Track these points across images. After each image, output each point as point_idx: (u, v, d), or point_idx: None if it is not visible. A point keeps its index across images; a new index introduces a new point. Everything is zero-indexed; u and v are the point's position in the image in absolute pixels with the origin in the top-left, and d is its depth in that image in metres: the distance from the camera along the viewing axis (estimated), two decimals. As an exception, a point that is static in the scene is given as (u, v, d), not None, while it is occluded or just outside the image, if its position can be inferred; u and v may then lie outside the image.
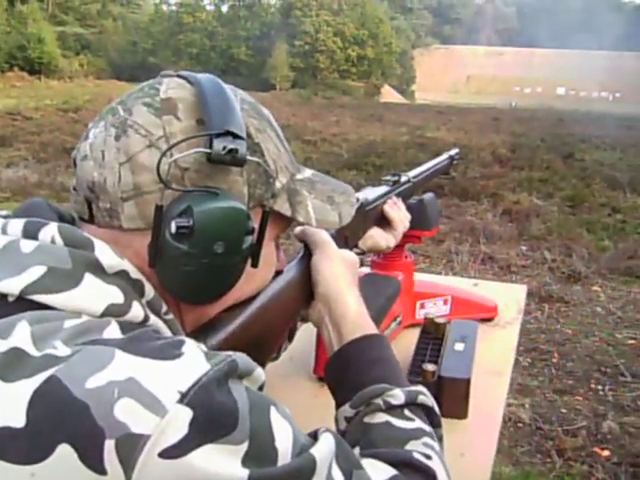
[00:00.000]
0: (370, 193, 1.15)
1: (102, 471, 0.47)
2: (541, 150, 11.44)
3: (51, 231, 0.60)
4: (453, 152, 1.59)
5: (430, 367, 1.10)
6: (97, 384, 0.48)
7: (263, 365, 0.74)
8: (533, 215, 6.79)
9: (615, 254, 5.53)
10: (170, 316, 0.66)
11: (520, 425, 2.85)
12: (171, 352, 0.52)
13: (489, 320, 1.49)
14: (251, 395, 0.53)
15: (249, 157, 0.63)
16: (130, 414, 0.47)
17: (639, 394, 3.19)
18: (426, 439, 0.68)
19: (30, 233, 0.61)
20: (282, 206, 0.70)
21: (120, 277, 0.61)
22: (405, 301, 1.38)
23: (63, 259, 0.58)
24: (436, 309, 1.44)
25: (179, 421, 0.48)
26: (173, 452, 0.47)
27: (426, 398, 0.73)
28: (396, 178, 1.26)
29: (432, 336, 1.26)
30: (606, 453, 2.66)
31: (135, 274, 0.62)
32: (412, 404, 0.71)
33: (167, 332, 0.63)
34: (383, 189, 1.21)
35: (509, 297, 1.61)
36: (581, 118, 21.34)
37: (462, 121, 18.04)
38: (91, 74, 42.45)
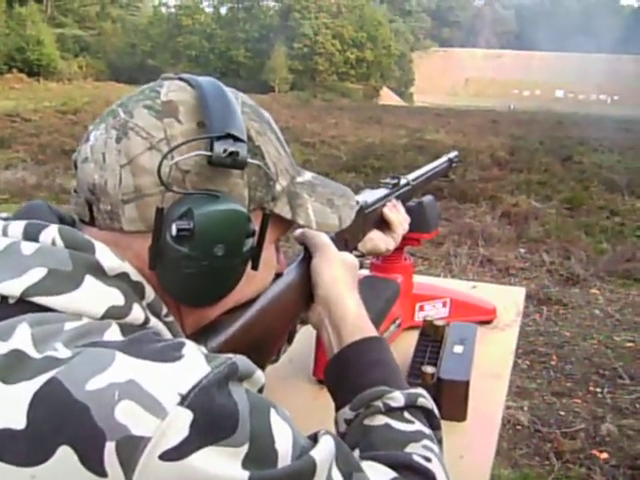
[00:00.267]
0: (369, 196, 1.15)
1: (102, 473, 0.47)
2: (540, 153, 11.46)
3: (52, 233, 0.61)
4: (452, 155, 1.59)
5: (429, 369, 1.10)
6: (98, 386, 0.48)
7: (263, 367, 0.74)
8: (532, 218, 6.80)
9: (613, 257, 5.54)
10: (170, 318, 0.66)
11: (519, 428, 2.85)
12: (171, 354, 0.52)
13: (488, 322, 1.49)
14: (251, 397, 0.53)
15: (250, 160, 0.63)
16: (131, 416, 0.48)
17: (637, 397, 3.19)
18: (426, 441, 0.68)
19: (31, 235, 0.61)
20: (282, 209, 0.70)
21: (121, 279, 0.61)
22: (404, 303, 1.38)
23: (64, 261, 0.58)
24: (435, 311, 1.44)
25: (179, 423, 0.48)
26: (173, 454, 0.47)
27: (426, 401, 0.73)
28: (395, 181, 1.26)
29: (431, 338, 1.26)
30: (604, 456, 2.66)
31: (135, 276, 0.62)
32: (412, 406, 0.71)
33: (167, 334, 0.64)
34: (382, 192, 1.21)
35: (508, 300, 1.61)
36: (580, 121, 21.38)
37: (461, 124, 18.06)
38: (90, 76, 42.53)
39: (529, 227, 6.43)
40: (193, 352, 0.53)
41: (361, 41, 52.41)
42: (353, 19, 53.27)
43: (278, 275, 0.79)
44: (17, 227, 0.61)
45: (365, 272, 1.39)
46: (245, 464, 0.50)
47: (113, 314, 0.58)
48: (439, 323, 1.27)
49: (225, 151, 0.61)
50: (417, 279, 1.50)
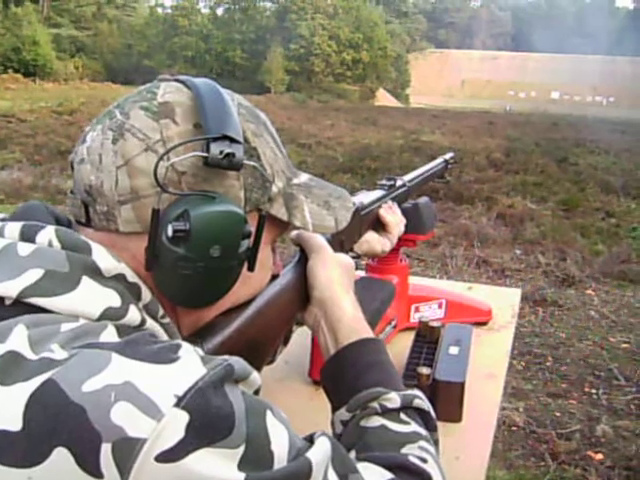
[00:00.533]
0: (365, 197, 1.15)
1: (98, 475, 0.47)
2: (535, 154, 11.47)
3: (48, 234, 0.61)
4: (448, 156, 1.60)
5: (425, 370, 1.10)
6: (94, 388, 0.48)
7: (259, 369, 0.74)
8: (527, 219, 6.82)
9: (609, 258, 5.55)
10: (167, 320, 0.66)
11: (514, 429, 2.86)
12: (168, 356, 0.52)
13: (483, 324, 1.49)
14: (247, 399, 0.53)
15: (246, 161, 0.63)
16: (126, 418, 0.48)
17: (633, 398, 3.20)
18: (422, 442, 0.68)
19: (27, 236, 0.61)
20: (279, 210, 0.70)
21: (117, 280, 0.61)
22: (400, 305, 1.39)
23: (60, 262, 0.58)
24: (431, 313, 1.45)
25: (175, 425, 0.48)
26: (169, 456, 0.47)
27: (422, 402, 0.73)
28: (391, 182, 1.26)
29: (427, 340, 1.26)
30: (600, 456, 2.66)
31: (132, 277, 0.62)
32: (408, 408, 0.72)
33: (164, 336, 0.64)
34: (378, 193, 1.21)
35: (503, 301, 1.61)
36: (575, 122, 21.40)
37: (457, 125, 18.08)
38: (86, 77, 42.47)
39: (525, 228, 6.45)
40: (189, 354, 0.53)
41: (357, 42, 52.41)
42: (349, 20, 53.25)
43: (274, 276, 0.79)
44: (14, 228, 0.61)
45: (361, 273, 1.39)
46: (241, 466, 0.50)
47: (109, 315, 0.58)
48: (435, 324, 1.28)
49: (221, 152, 0.61)
50: (413, 280, 1.50)
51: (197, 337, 0.68)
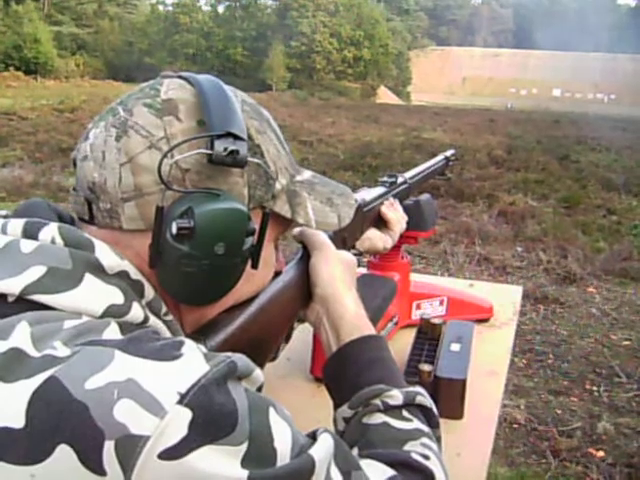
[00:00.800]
0: (367, 194, 1.15)
1: (101, 472, 0.47)
2: (537, 151, 11.48)
3: (51, 231, 0.60)
4: (449, 153, 1.60)
5: (426, 367, 1.10)
6: (97, 385, 0.48)
7: (262, 366, 0.74)
8: (528, 216, 6.81)
9: (610, 255, 5.55)
10: (170, 317, 0.66)
11: (515, 426, 2.86)
12: (170, 353, 0.52)
13: (485, 321, 1.49)
14: (250, 396, 0.53)
15: (250, 158, 0.63)
16: (129, 415, 0.47)
17: (634, 395, 3.20)
18: (424, 439, 0.68)
19: (30, 233, 0.60)
20: (282, 207, 0.70)
21: (120, 278, 0.61)
22: (401, 302, 1.39)
23: (63, 259, 0.58)
24: (432, 310, 1.45)
25: (178, 422, 0.48)
26: (172, 453, 0.47)
27: (424, 399, 0.73)
28: (393, 179, 1.26)
29: (428, 337, 1.26)
30: (601, 454, 2.67)
31: (135, 275, 0.62)
32: (410, 405, 0.71)
33: (167, 333, 0.63)
34: (380, 190, 1.21)
35: (505, 298, 1.61)
36: (577, 120, 21.41)
37: (458, 122, 18.08)
38: (87, 74, 42.48)
39: (526, 226, 6.44)
40: (192, 351, 0.53)
41: (358, 40, 52.39)
42: (351, 18, 53.24)
43: (277, 273, 0.79)
44: (16, 225, 0.61)
45: (362, 270, 1.39)
46: (244, 463, 0.50)
47: (112, 312, 0.58)
48: (436, 321, 1.28)
49: (225, 150, 0.61)
50: (414, 277, 1.50)
51: (200, 334, 0.68)
